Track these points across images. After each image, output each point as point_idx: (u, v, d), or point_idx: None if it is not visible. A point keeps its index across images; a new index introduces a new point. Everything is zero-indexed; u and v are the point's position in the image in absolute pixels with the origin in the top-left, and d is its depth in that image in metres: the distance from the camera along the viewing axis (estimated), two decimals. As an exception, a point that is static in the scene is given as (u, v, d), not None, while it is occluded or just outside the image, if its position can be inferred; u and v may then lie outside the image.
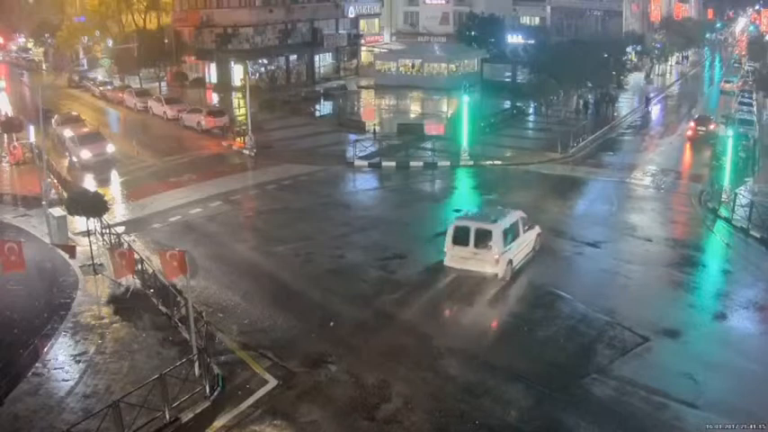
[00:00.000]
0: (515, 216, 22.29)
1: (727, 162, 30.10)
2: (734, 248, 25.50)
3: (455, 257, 21.32)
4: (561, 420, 14.50)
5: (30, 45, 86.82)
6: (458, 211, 28.67)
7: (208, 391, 15.05)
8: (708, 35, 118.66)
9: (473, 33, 68.39)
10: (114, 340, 17.69)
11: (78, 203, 22.29)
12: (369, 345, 17.44)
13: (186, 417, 14.37)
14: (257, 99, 47.79)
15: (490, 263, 20.74)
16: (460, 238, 21.20)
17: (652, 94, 56.73)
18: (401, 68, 65.25)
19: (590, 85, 51.60)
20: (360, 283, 21.28)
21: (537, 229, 23.39)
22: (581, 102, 50.26)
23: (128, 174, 34.03)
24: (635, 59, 73.61)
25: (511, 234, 21.52)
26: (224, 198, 29.98)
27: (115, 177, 33.72)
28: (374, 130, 41.69)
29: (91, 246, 22.09)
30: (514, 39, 73.04)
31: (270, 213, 28.52)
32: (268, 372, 16.13)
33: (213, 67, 62.25)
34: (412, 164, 35.52)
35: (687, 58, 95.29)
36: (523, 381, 15.81)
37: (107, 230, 23.96)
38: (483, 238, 20.83)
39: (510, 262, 21.19)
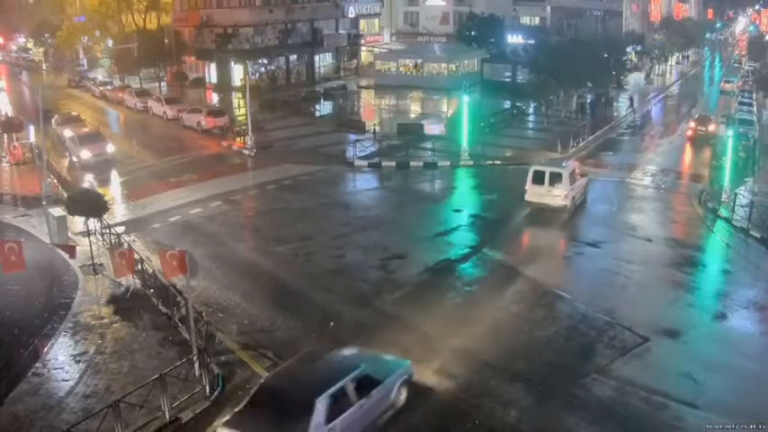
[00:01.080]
0: (573, 165, 28.53)
1: (727, 162, 30.09)
2: (734, 248, 25.51)
3: (534, 194, 27.15)
4: (561, 420, 14.50)
5: (30, 45, 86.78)
6: (458, 211, 28.81)
7: (208, 391, 15.06)
8: (708, 35, 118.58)
9: (473, 33, 68.32)
10: (114, 340, 17.69)
11: (78, 203, 22.30)
12: (369, 344, 17.41)
13: (186, 417, 14.38)
14: (257, 99, 47.78)
15: (560, 197, 26.60)
16: (538, 179, 26.97)
17: (636, 97, 55.78)
18: (401, 68, 65.23)
19: (590, 84, 51.59)
20: (360, 283, 21.28)
21: (587, 177, 29.79)
22: (581, 102, 50.26)
23: (128, 174, 34.03)
24: (635, 59, 73.56)
25: (572, 177, 27.20)
26: (224, 198, 29.98)
27: (115, 177, 33.72)
28: (374, 130, 41.68)
29: (91, 246, 22.09)
30: (514, 39, 72.99)
31: (270, 213, 28.52)
32: (268, 372, 16.12)
33: (213, 67, 62.22)
34: (412, 164, 35.52)
35: (687, 57, 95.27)
36: (523, 381, 15.81)
37: (107, 230, 23.95)
38: (555, 179, 26.63)
39: (573, 198, 27.19)
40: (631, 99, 54.90)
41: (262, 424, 12.72)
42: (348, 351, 15.39)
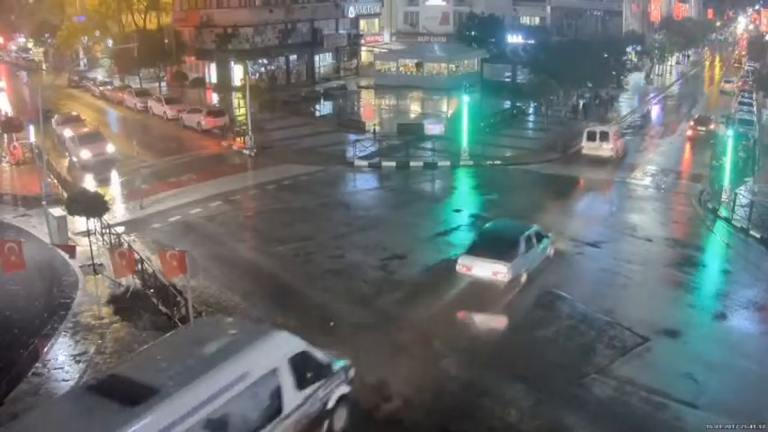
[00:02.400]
0: (615, 128, 39.30)
1: (727, 162, 30.10)
2: (734, 248, 25.51)
3: (589, 148, 36.22)
4: (561, 420, 14.49)
5: (30, 45, 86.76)
6: (458, 210, 28.81)
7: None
8: (708, 35, 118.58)
9: (473, 33, 68.37)
10: (114, 340, 17.68)
11: (78, 203, 22.30)
12: (368, 344, 17.42)
13: (186, 417, 14.34)
14: (257, 99, 47.78)
15: (608, 150, 35.87)
16: (591, 137, 36.30)
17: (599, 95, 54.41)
18: (401, 68, 65.25)
19: (590, 84, 51.60)
20: (360, 283, 21.27)
21: (625, 138, 40.09)
22: (580, 102, 50.26)
23: (128, 174, 34.03)
24: (635, 59, 73.57)
25: (615, 136, 37.12)
26: (224, 198, 29.98)
27: (115, 177, 33.72)
28: (374, 130, 41.68)
29: (91, 246, 22.09)
30: (514, 39, 73.03)
31: (270, 213, 28.52)
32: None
33: (213, 67, 62.23)
34: (412, 164, 35.52)
35: (689, 57, 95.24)
36: (523, 381, 15.80)
37: (107, 230, 23.95)
38: (603, 137, 36.06)
39: (617, 151, 36.78)
40: (611, 98, 54.14)
41: (490, 251, 19.86)
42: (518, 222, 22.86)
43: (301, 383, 12.58)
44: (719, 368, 16.66)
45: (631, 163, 37.19)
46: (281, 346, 12.65)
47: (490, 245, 20.20)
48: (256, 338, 12.54)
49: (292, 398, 12.36)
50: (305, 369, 12.74)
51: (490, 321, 19.16)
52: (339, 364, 13.87)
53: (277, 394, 12.13)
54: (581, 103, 50.40)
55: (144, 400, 10.38)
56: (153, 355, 12.32)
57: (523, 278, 20.43)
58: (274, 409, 12.04)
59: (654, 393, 15.33)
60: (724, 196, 29.00)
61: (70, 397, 12.00)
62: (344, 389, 13.80)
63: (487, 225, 22.54)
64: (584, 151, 36.39)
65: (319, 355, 13.33)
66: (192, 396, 10.71)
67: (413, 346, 17.33)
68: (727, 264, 24.46)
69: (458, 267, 20.29)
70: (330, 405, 13.39)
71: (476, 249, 20.37)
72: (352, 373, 14.18)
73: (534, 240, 21.10)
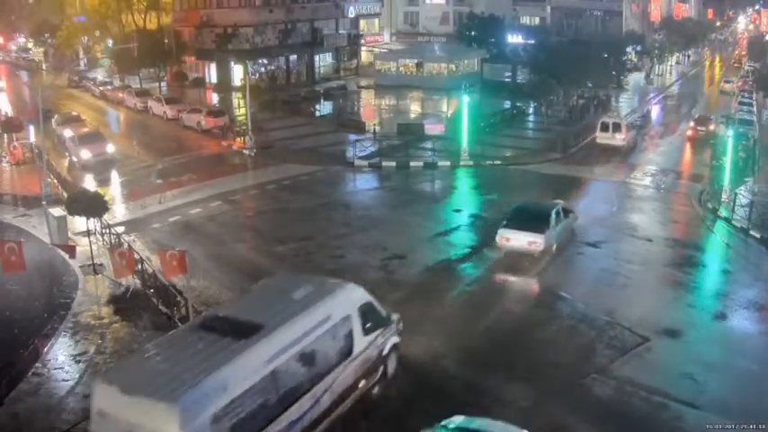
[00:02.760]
0: (626, 121, 42.27)
1: (727, 162, 30.11)
2: (734, 248, 25.52)
3: (602, 138, 39.07)
4: (561, 420, 14.49)
5: (30, 45, 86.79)
6: (458, 210, 28.81)
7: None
8: (708, 35, 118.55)
9: (473, 33, 68.35)
10: (114, 340, 17.69)
11: (78, 203, 22.30)
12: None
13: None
14: (257, 99, 47.80)
15: (620, 140, 38.82)
16: (604, 128, 39.14)
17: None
18: (401, 68, 65.24)
19: (590, 84, 51.56)
20: (360, 283, 21.16)
21: (635, 131, 42.65)
22: (579, 102, 50.22)
23: (128, 174, 34.04)
24: (635, 59, 73.57)
25: (627, 128, 39.97)
26: (224, 198, 29.98)
27: (115, 177, 33.73)
28: (374, 130, 41.68)
29: (91, 246, 22.10)
30: (514, 39, 72.98)
31: (270, 213, 28.53)
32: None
33: (213, 67, 62.23)
34: (412, 164, 35.52)
35: (689, 57, 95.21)
36: (523, 381, 15.80)
37: (107, 230, 23.96)
38: (616, 128, 39.07)
39: (627, 141, 39.54)
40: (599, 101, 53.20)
41: (525, 224, 21.95)
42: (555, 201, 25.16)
43: (366, 330, 14.60)
44: (719, 368, 16.66)
45: (631, 163, 37.21)
46: (353, 296, 14.82)
47: (525, 219, 22.32)
48: (334, 289, 14.64)
49: (360, 342, 14.33)
50: (369, 318, 14.82)
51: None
52: (394, 317, 15.92)
53: (349, 337, 14.13)
54: (580, 103, 50.34)
55: (252, 333, 12.37)
56: (248, 301, 14.57)
57: (554, 248, 22.76)
58: (346, 351, 13.99)
59: (654, 393, 15.34)
60: (724, 196, 29.00)
61: (183, 334, 13.24)
62: (396, 339, 15.74)
63: (519, 203, 24.27)
64: (597, 140, 39.27)
65: (380, 307, 15.38)
66: (290, 332, 12.75)
67: (413, 346, 17.32)
68: (727, 264, 24.46)
69: (497, 239, 22.45)
70: (385, 352, 15.29)
71: (512, 223, 22.39)
72: (401, 325, 16.07)
73: (562, 215, 23.49)
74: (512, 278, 21.69)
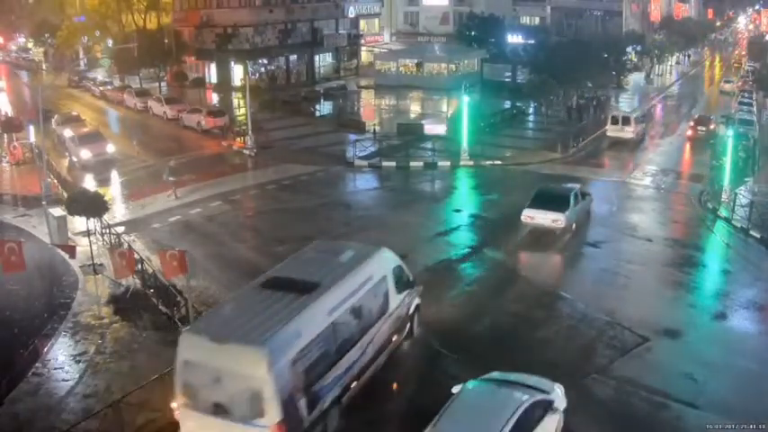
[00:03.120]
0: (634, 115, 43.46)
1: (727, 162, 30.10)
2: (734, 248, 25.51)
3: (612, 130, 40.71)
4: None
5: (30, 45, 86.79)
6: (458, 210, 28.81)
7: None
8: (708, 35, 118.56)
9: (473, 33, 68.38)
10: (114, 340, 17.69)
11: (78, 203, 22.30)
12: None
13: (186, 417, 14.35)
14: (257, 99, 47.80)
15: (630, 133, 40.39)
16: (614, 121, 40.81)
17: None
18: (401, 68, 65.24)
19: (590, 84, 51.54)
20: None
21: (644, 124, 44.17)
22: (579, 102, 50.18)
23: (128, 174, 34.03)
24: (635, 59, 73.55)
25: (636, 121, 41.72)
26: (224, 198, 29.98)
27: (115, 177, 33.72)
28: (374, 130, 41.68)
29: (91, 246, 22.10)
30: (514, 39, 72.97)
31: (270, 213, 28.52)
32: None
33: (213, 67, 62.24)
34: (412, 164, 35.51)
35: (689, 56, 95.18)
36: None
37: (107, 230, 23.95)
38: (625, 121, 40.69)
39: (637, 134, 41.24)
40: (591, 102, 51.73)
41: (548, 204, 24.20)
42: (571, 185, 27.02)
43: (398, 289, 16.59)
44: (719, 368, 16.66)
45: (636, 161, 37.17)
46: (388, 259, 16.76)
47: (547, 200, 24.67)
48: (372, 252, 16.52)
49: (394, 299, 16.32)
50: (400, 278, 16.83)
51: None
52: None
53: (386, 295, 16.06)
54: (580, 103, 50.33)
55: (312, 290, 14.02)
56: (298, 264, 15.99)
57: (573, 227, 24.78)
58: (384, 307, 15.91)
59: (654, 393, 15.34)
60: (724, 196, 28.98)
61: (251, 292, 14.60)
62: (418, 300, 17.67)
63: (541, 186, 26.76)
64: (608, 133, 41.07)
65: (407, 270, 17.39)
66: (343, 289, 14.54)
67: (413, 346, 17.33)
68: (727, 264, 24.46)
69: (522, 218, 24.55)
70: (411, 311, 17.29)
71: (536, 204, 24.62)
72: (421, 288, 17.98)
73: (580, 197, 25.63)
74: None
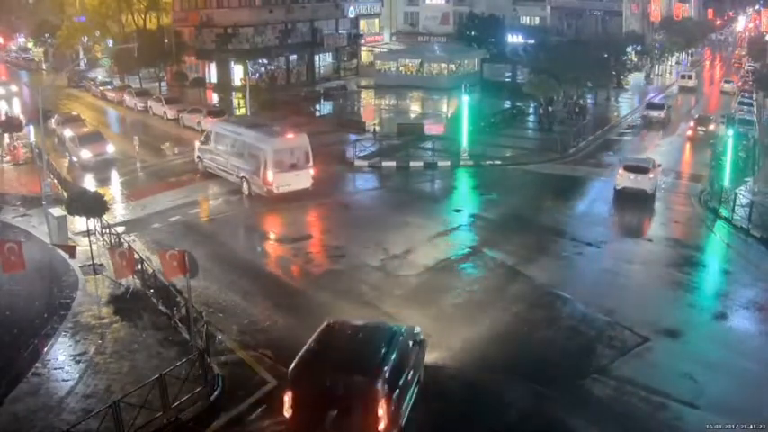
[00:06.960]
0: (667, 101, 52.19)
1: (727, 162, 30.11)
2: (734, 248, 25.51)
3: (649, 114, 48.36)
4: (561, 420, 14.50)
5: (30, 45, 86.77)
6: (458, 210, 28.82)
7: (208, 391, 15.05)
8: (709, 35, 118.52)
9: (473, 33, 68.30)
10: (114, 340, 17.68)
11: (78, 203, 22.29)
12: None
13: (186, 417, 14.37)
14: (257, 99, 47.75)
15: (662, 115, 48.63)
16: (650, 106, 49.53)
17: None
18: (401, 68, 65.23)
19: (590, 84, 51.49)
20: (360, 283, 21.27)
21: (669, 109, 50.54)
22: (580, 102, 50.14)
23: (128, 174, 34.02)
24: (635, 59, 73.52)
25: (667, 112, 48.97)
26: (224, 198, 29.96)
27: (115, 177, 33.71)
28: (374, 130, 41.67)
29: (91, 246, 22.08)
30: (514, 39, 72.94)
31: (269, 213, 28.51)
32: (268, 372, 16.13)
33: (213, 67, 62.21)
34: (412, 164, 35.49)
35: (692, 55, 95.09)
36: (524, 381, 15.80)
37: (107, 230, 23.95)
38: (660, 106, 49.46)
39: (668, 116, 49.08)
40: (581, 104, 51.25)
41: (636, 168, 29.67)
42: None
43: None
44: (719, 368, 16.67)
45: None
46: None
47: (634, 166, 30.15)
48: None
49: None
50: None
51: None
52: None
53: None
54: (580, 103, 50.29)
55: None
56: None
57: (654, 191, 29.78)
58: None
59: (654, 393, 15.34)
60: (724, 196, 28.98)
61: None
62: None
63: (627, 158, 32.95)
64: (643, 114, 49.70)
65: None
66: None
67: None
68: (727, 264, 24.46)
69: (618, 177, 29.66)
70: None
71: (629, 168, 29.85)
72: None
73: (656, 166, 30.96)
74: None
